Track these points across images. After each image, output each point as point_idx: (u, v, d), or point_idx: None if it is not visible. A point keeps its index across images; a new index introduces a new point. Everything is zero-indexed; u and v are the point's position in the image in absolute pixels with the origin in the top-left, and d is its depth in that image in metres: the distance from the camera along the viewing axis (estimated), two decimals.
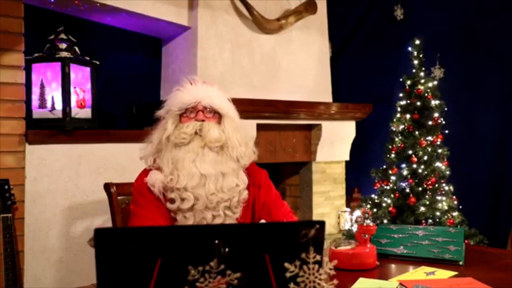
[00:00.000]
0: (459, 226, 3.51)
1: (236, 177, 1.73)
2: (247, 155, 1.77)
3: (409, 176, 3.70)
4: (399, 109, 3.89)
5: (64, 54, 2.75)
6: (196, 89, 1.77)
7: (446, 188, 3.69)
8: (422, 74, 3.87)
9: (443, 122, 3.82)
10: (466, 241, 3.04)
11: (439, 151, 3.74)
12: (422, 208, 3.55)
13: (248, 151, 1.79)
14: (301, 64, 3.81)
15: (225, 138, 1.73)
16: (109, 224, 2.31)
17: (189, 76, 1.88)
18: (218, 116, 1.78)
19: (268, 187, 1.86)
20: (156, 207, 1.70)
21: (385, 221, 3.64)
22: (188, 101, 1.74)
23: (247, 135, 1.84)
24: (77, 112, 2.79)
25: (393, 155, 3.82)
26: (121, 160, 2.95)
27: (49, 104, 2.75)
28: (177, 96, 1.77)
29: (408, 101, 3.85)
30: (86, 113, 2.86)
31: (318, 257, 0.93)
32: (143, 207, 1.71)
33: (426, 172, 3.66)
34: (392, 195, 3.73)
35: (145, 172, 1.77)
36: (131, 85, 3.58)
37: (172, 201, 1.68)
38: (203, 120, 1.73)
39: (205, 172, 1.67)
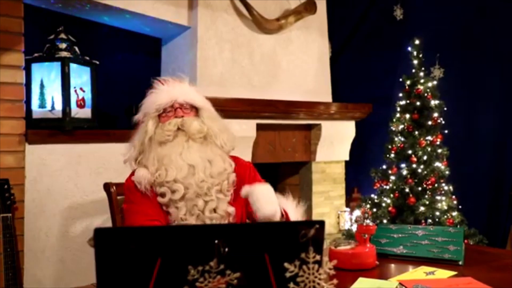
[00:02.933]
0: (458, 226, 3.51)
1: (223, 162, 1.78)
2: (230, 140, 1.83)
3: (408, 176, 3.70)
4: (398, 109, 3.89)
5: (64, 54, 2.75)
6: (169, 88, 1.83)
7: (446, 188, 3.70)
8: (421, 74, 3.87)
9: (443, 122, 3.82)
10: (465, 241, 3.04)
11: (439, 151, 3.74)
12: (422, 208, 3.55)
13: (230, 136, 1.85)
14: (300, 64, 3.81)
15: (206, 128, 1.78)
16: (108, 224, 2.31)
17: (162, 78, 1.91)
18: (195, 110, 1.83)
19: (254, 173, 1.90)
20: (147, 200, 1.73)
21: (385, 221, 3.65)
22: (164, 101, 1.79)
23: (225, 123, 1.90)
24: (77, 112, 2.79)
25: (392, 155, 3.82)
26: (120, 160, 2.94)
27: (49, 104, 2.75)
28: (152, 98, 1.82)
29: (408, 101, 3.86)
30: (86, 113, 2.86)
31: (317, 257, 0.93)
32: (134, 203, 1.75)
33: (425, 172, 3.67)
34: (391, 195, 3.73)
35: (134, 172, 1.81)
36: (131, 85, 3.57)
37: (163, 195, 1.71)
38: (182, 116, 1.78)
39: (193, 162, 1.71)
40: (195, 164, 1.71)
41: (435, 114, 3.79)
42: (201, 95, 1.89)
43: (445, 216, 3.55)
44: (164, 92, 1.82)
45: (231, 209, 1.74)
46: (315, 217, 3.83)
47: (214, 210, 1.71)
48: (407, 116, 3.83)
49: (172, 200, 1.70)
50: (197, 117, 1.81)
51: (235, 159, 1.87)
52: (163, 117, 1.80)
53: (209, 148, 1.77)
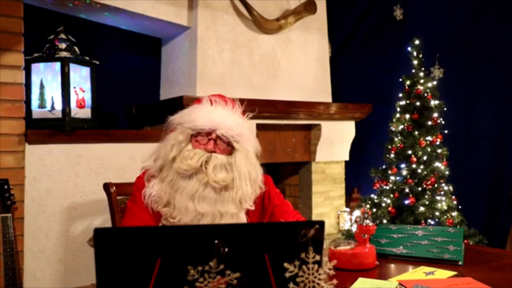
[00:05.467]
0: (458, 226, 3.51)
1: (235, 220, 1.65)
2: (252, 197, 1.68)
3: (408, 176, 3.70)
4: (398, 109, 3.90)
5: (64, 54, 2.75)
6: (214, 112, 1.67)
7: (446, 188, 3.70)
8: (421, 74, 3.87)
9: (443, 122, 3.82)
10: (465, 241, 3.04)
11: (439, 151, 3.74)
12: (422, 208, 3.55)
13: (255, 189, 1.69)
14: (300, 64, 3.81)
15: (232, 177, 1.63)
16: (108, 224, 2.31)
17: (211, 95, 1.74)
18: (230, 146, 1.68)
19: (273, 198, 1.81)
20: (148, 208, 1.68)
21: (385, 221, 3.65)
22: (203, 126, 1.65)
23: (257, 169, 1.72)
24: (76, 112, 2.79)
25: (392, 155, 3.82)
26: (120, 160, 2.95)
27: (48, 104, 2.75)
28: (193, 114, 1.68)
29: (408, 101, 3.86)
30: (86, 113, 2.86)
31: (317, 257, 0.93)
32: (138, 206, 1.71)
33: (425, 172, 3.67)
34: (391, 195, 3.73)
35: (146, 171, 1.75)
36: (131, 85, 3.58)
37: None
38: (213, 151, 1.64)
39: (202, 210, 1.60)
40: (204, 213, 1.60)
41: (435, 114, 3.79)
42: (246, 125, 1.73)
43: (445, 216, 3.55)
44: (207, 115, 1.66)
45: None
46: (315, 217, 3.83)
47: None
48: (407, 116, 3.83)
49: None
50: (229, 156, 1.66)
51: None
52: (195, 142, 1.66)
53: (226, 202, 1.62)
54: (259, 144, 1.76)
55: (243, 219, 1.67)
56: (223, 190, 1.63)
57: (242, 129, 1.70)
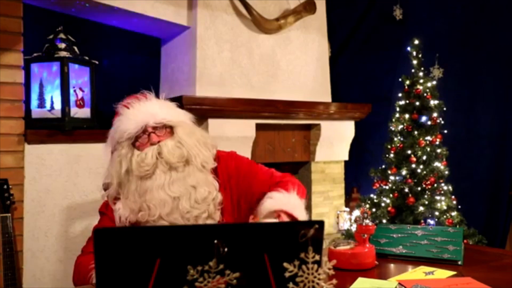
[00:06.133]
0: (458, 226, 3.51)
1: (207, 185, 1.69)
2: (210, 157, 1.75)
3: (408, 176, 3.70)
4: (398, 109, 3.90)
5: (63, 53, 2.75)
6: (137, 112, 1.71)
7: (445, 188, 3.70)
8: (421, 74, 3.87)
9: (442, 122, 3.82)
10: (465, 241, 3.04)
11: (438, 151, 3.75)
12: (421, 208, 3.55)
13: (210, 149, 1.76)
14: (300, 64, 3.81)
15: (186, 151, 1.68)
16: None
17: (126, 96, 1.84)
18: (169, 127, 1.72)
19: (238, 165, 1.82)
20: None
21: (384, 221, 3.65)
22: (135, 129, 1.68)
23: (202, 133, 1.80)
24: (76, 112, 2.79)
25: (392, 155, 3.83)
26: None
27: (48, 104, 2.75)
28: (121, 127, 1.70)
29: (407, 101, 3.86)
30: (85, 113, 2.86)
31: (317, 257, 0.93)
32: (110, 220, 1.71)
33: (425, 172, 3.67)
34: (391, 195, 3.73)
35: (106, 202, 1.76)
36: (131, 85, 3.57)
37: None
38: (158, 141, 1.68)
39: (177, 194, 1.64)
40: (179, 195, 1.64)
41: (435, 114, 3.79)
42: (171, 105, 1.78)
43: (445, 216, 3.55)
44: (132, 118, 1.69)
45: None
46: (314, 217, 3.83)
47: None
48: (407, 116, 3.83)
49: None
50: (173, 137, 1.70)
51: (218, 158, 1.80)
52: (138, 144, 1.69)
53: (192, 174, 1.67)
54: (189, 113, 1.82)
55: (212, 181, 1.72)
56: (186, 165, 1.68)
57: (168, 108, 1.76)
